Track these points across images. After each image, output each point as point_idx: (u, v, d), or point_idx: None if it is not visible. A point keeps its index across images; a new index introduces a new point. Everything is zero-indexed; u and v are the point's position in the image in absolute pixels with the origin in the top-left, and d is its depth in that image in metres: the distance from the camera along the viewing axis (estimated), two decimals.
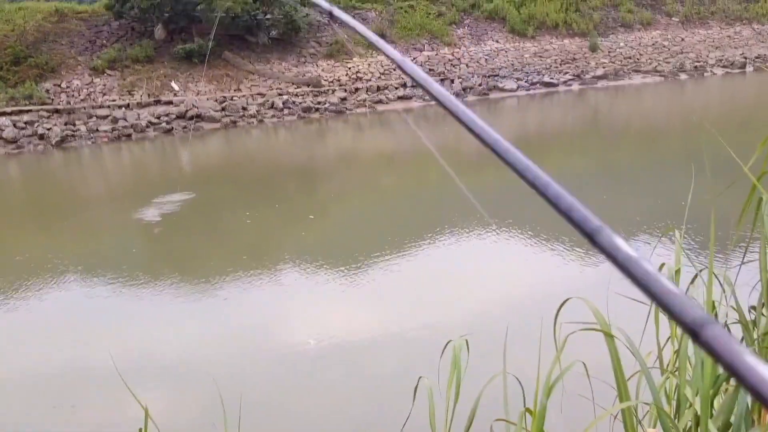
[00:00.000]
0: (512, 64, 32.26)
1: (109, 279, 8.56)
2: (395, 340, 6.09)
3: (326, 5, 1.46)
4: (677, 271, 2.12)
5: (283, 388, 5.38)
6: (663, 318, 2.12)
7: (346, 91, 28.61)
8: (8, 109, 24.47)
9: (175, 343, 6.33)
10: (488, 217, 8.26)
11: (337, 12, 1.38)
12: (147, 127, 24.23)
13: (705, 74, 32.77)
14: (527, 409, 1.89)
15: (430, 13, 33.70)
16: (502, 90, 29.67)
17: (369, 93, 28.68)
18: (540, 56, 33.26)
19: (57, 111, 25.06)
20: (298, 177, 16.38)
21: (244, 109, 26.16)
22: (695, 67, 33.54)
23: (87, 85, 26.69)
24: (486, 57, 32.44)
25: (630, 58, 34.37)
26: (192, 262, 9.28)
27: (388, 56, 1.16)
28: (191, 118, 25.11)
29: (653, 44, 35.57)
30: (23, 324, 7.35)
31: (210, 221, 11.45)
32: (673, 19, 37.37)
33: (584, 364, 1.90)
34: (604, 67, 32.81)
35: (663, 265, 2.18)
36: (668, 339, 2.18)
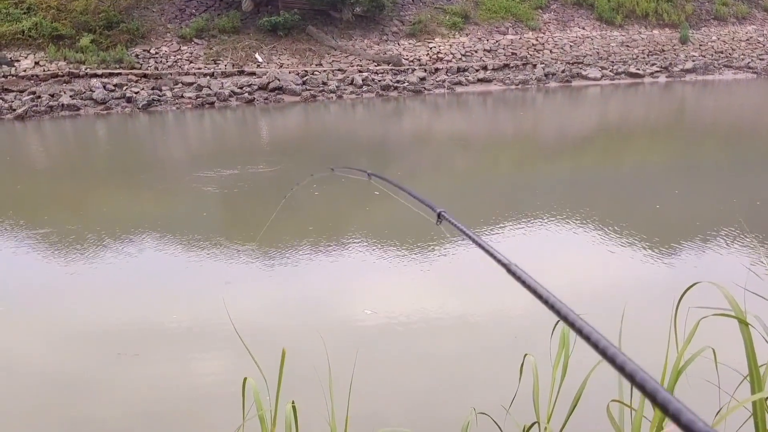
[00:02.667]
0: (597, 53, 31.47)
1: (182, 240, 8.77)
2: (478, 320, 6.04)
3: (437, 209, 1.71)
4: None
5: (365, 360, 5.40)
6: None
7: (425, 71, 28.47)
8: (99, 72, 25.33)
9: (241, 306, 6.43)
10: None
11: (446, 215, 1.64)
12: (230, 96, 24.68)
13: None
14: None
15: None
16: (586, 78, 28.98)
17: (449, 74, 28.46)
18: (627, 46, 32.32)
19: (145, 76, 25.78)
20: (371, 153, 16.41)
21: (324, 84, 26.35)
22: None
23: (174, 52, 27.35)
24: (571, 44, 31.72)
25: (722, 52, 33.07)
26: (259, 230, 9.43)
27: (495, 258, 1.25)
28: (273, 90, 25.45)
29: (747, 39, 34.12)
30: (95, 277, 7.58)
31: (281, 192, 11.63)
32: None
33: (713, 350, 1.83)
34: (693, 61, 31.66)
35: None
36: None
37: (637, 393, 1.88)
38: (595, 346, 0.86)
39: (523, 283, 1.09)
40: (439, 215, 1.71)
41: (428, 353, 5.38)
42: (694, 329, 1.77)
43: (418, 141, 18.41)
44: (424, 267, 7.53)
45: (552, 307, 0.98)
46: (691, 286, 2.01)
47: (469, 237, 1.45)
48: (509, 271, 1.18)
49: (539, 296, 1.03)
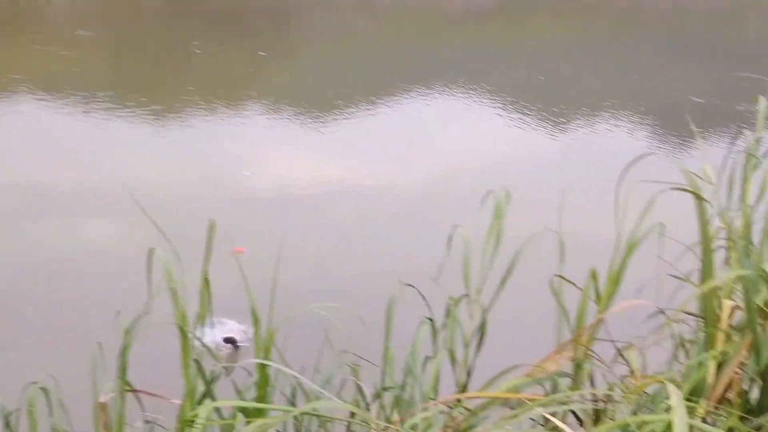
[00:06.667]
0: None
1: (64, 99, 8.13)
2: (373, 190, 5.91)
3: None
4: (758, 139, 1.99)
5: (262, 229, 5.22)
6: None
7: None
8: None
9: (121, 170, 6.04)
10: None
11: None
12: None
13: None
14: (593, 272, 1.74)
15: None
16: None
17: None
18: None
19: None
20: (265, 14, 15.49)
21: None
22: None
23: None
24: None
25: None
26: (140, 88, 8.87)
27: None
28: None
29: None
30: None
31: (163, 48, 10.97)
32: None
33: (662, 225, 1.75)
34: None
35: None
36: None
37: (581, 269, 1.79)
38: None
39: None
40: None
41: (333, 221, 5.26)
42: (649, 203, 1.68)
43: (319, 3, 17.57)
44: (324, 132, 7.33)
45: None
46: (638, 159, 1.92)
47: None
48: None
49: None
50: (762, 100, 2.07)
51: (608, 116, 8.22)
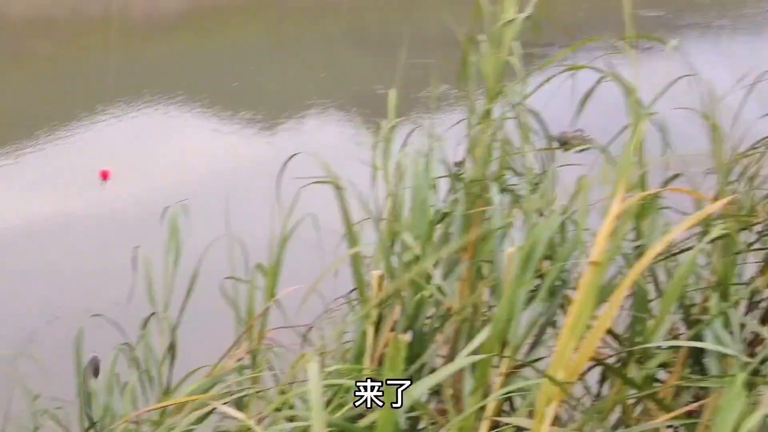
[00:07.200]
0: None
1: None
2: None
3: None
4: (393, 127, 2.23)
5: None
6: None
7: None
8: None
9: None
10: None
11: None
12: None
13: None
14: (258, 265, 1.89)
15: None
16: None
17: None
18: None
19: None
20: None
21: None
22: None
23: None
24: None
25: None
26: None
27: None
28: None
29: None
30: None
31: None
32: None
33: (314, 216, 1.94)
34: None
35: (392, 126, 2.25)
36: None
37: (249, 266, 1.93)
38: None
39: None
40: None
41: (28, 262, 4.91)
42: (295, 198, 1.86)
43: None
44: (6, 167, 6.73)
45: None
46: (291, 157, 2.09)
47: None
48: None
49: None
50: (392, 92, 2.35)
51: (302, 115, 8.59)
